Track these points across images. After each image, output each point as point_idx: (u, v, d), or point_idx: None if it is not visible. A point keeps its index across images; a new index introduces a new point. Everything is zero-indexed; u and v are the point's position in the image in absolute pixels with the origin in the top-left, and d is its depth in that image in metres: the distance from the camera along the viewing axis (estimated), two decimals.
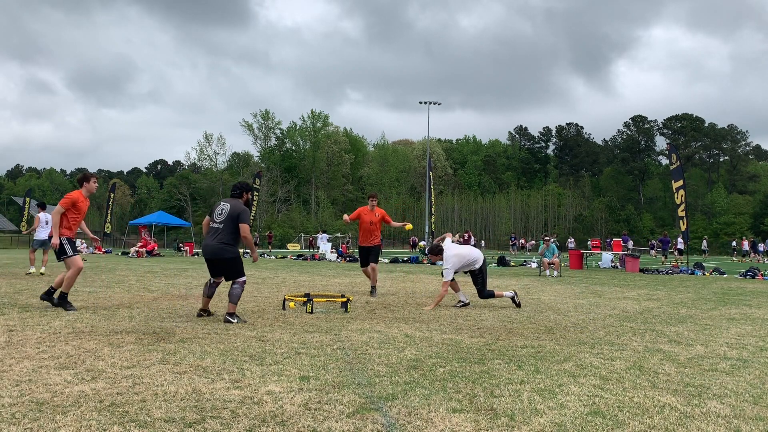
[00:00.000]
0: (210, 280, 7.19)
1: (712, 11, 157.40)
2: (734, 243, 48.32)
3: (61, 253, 7.69)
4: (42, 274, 14.07)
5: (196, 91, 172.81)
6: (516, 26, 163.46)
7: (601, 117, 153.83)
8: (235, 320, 6.82)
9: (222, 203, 7.16)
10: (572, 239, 50.46)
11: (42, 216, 14.38)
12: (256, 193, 35.00)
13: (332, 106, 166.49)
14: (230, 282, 7.06)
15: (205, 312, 7.21)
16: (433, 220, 33.25)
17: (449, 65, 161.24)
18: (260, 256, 31.72)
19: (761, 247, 39.74)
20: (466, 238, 34.15)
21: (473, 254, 8.89)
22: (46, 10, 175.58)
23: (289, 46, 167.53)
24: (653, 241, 49.12)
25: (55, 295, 7.74)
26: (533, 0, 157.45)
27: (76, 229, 7.93)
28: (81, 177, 8.01)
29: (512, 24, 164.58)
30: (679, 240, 31.84)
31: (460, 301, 8.87)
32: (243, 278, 7.00)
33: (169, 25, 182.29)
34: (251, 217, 32.97)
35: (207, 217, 7.28)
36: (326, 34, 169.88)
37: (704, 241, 47.96)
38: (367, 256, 10.55)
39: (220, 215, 7.01)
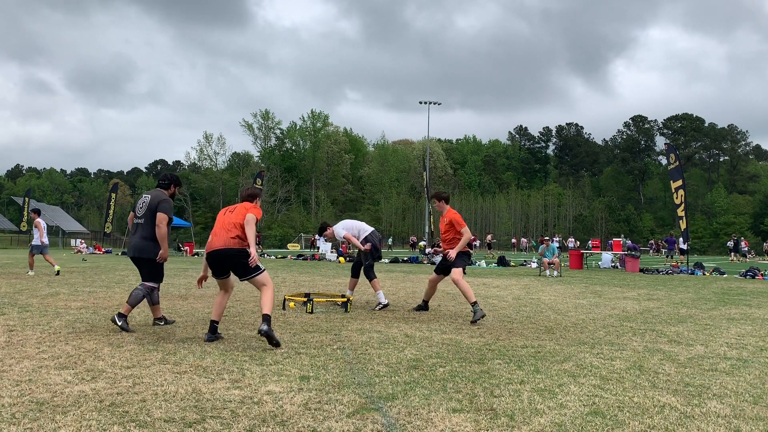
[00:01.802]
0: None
1: (708, 12, 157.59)
2: (729, 243, 48.23)
3: (252, 270, 5.57)
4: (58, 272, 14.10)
5: (195, 91, 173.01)
6: (513, 26, 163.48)
7: (600, 117, 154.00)
8: (120, 322, 6.04)
9: (144, 195, 6.42)
10: (572, 239, 50.44)
11: (41, 221, 14.60)
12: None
13: (331, 106, 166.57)
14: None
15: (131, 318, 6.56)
16: (432, 220, 33.21)
17: (447, 65, 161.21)
18: (259, 255, 31.73)
19: (744, 245, 39.54)
20: (472, 239, 34.21)
21: (358, 225, 8.87)
22: (45, 10, 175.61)
23: (288, 46, 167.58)
24: (652, 241, 49.06)
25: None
26: (529, 0, 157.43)
27: None
28: (254, 193, 5.99)
29: (509, 24, 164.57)
30: (680, 240, 31.79)
31: (379, 303, 8.49)
32: (154, 284, 6.31)
33: (168, 25, 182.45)
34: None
35: (131, 212, 6.51)
36: (324, 35, 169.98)
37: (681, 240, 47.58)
38: (446, 265, 8.03)
39: (141, 209, 6.29)
